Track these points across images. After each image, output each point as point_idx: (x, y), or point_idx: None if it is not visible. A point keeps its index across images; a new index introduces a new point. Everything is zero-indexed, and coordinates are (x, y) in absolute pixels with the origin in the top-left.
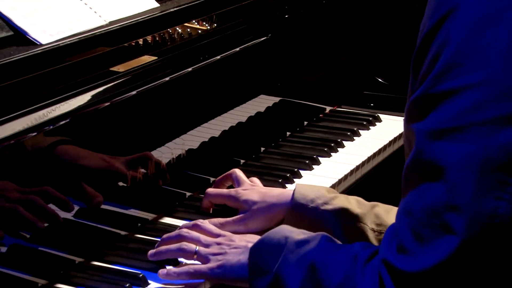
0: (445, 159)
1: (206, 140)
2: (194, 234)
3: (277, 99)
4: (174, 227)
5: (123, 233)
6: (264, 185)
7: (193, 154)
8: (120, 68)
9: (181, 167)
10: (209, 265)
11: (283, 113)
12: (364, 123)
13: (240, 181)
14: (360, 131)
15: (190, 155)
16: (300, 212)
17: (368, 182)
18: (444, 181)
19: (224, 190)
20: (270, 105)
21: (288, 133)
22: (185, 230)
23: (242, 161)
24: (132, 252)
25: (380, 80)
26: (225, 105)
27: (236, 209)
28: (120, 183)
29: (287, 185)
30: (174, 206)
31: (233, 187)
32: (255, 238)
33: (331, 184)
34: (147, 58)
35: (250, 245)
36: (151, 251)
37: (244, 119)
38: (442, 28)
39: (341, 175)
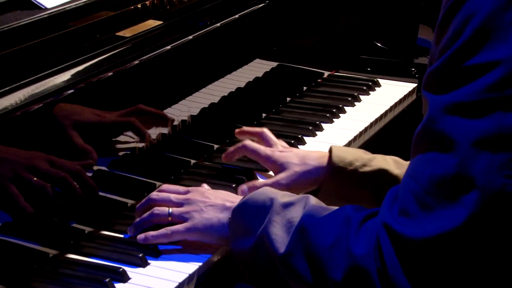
0: (458, 133)
1: (206, 106)
2: (164, 195)
3: (274, 64)
4: None
5: (130, 202)
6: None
7: (195, 120)
8: (126, 33)
9: (183, 133)
10: (186, 224)
11: (281, 78)
12: (364, 88)
13: (271, 142)
14: (360, 96)
15: (192, 122)
16: (339, 175)
17: (369, 148)
18: (455, 153)
19: (261, 148)
20: (268, 70)
21: (288, 99)
22: (154, 193)
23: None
24: None
25: (378, 44)
26: (221, 71)
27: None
28: (121, 152)
29: None
30: (180, 173)
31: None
32: (230, 196)
33: None
34: (152, 23)
35: (227, 203)
36: (129, 227)
37: (242, 85)
38: (469, 0)
39: (344, 141)
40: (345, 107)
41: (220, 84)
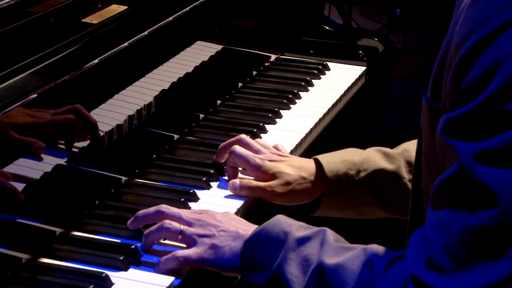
0: (496, 183)
1: (157, 93)
2: (174, 210)
3: (218, 47)
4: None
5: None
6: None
7: (150, 109)
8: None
9: (142, 124)
10: (198, 250)
11: (228, 62)
12: (315, 72)
13: (254, 148)
14: (312, 80)
15: (147, 111)
16: (337, 188)
17: (328, 136)
18: (494, 204)
19: (250, 155)
20: (213, 53)
21: (240, 84)
22: (164, 206)
23: (201, 115)
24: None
25: (325, 27)
26: (165, 55)
27: None
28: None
29: None
30: (145, 167)
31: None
32: (242, 222)
33: (299, 140)
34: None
35: (241, 231)
36: (129, 222)
37: (190, 69)
38: (498, 42)
39: (307, 129)
40: (299, 93)
41: (167, 68)
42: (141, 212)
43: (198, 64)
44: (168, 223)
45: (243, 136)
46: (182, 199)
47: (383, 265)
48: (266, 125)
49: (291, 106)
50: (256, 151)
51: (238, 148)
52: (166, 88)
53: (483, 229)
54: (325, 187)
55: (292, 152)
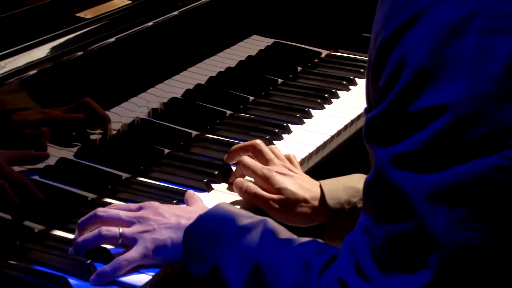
0: (410, 188)
1: (191, 87)
2: (112, 211)
3: (270, 41)
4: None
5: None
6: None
7: (175, 103)
8: (88, 14)
9: (160, 118)
10: (139, 248)
11: (276, 57)
12: (361, 70)
13: (267, 156)
14: (356, 79)
15: (171, 105)
16: (339, 216)
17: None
18: (410, 210)
19: (258, 166)
20: (263, 47)
21: (280, 81)
22: (100, 209)
23: (228, 112)
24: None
25: None
26: (213, 48)
27: None
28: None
29: (275, 141)
30: (150, 164)
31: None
32: (186, 212)
33: (323, 142)
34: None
35: (183, 221)
36: (71, 249)
37: (233, 64)
38: (402, 40)
39: (334, 131)
40: (338, 92)
41: (211, 62)
42: (80, 220)
43: (243, 58)
44: (105, 229)
45: (258, 141)
46: (174, 201)
47: (319, 266)
48: (291, 125)
49: (325, 105)
50: (267, 161)
51: (246, 159)
52: (203, 82)
53: (402, 237)
54: (328, 216)
55: (313, 155)
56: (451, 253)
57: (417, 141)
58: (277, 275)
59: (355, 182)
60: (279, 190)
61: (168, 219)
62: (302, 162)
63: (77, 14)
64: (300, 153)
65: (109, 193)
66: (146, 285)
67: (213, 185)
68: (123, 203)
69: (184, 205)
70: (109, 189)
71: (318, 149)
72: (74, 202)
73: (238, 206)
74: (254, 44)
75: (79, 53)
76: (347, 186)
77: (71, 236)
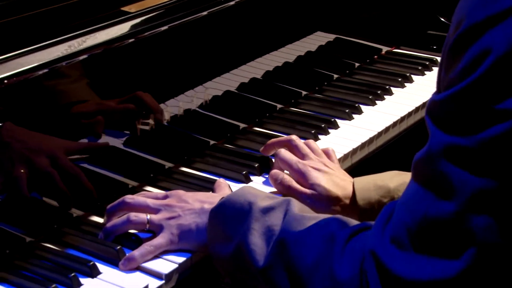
0: (459, 182)
1: (246, 81)
2: (140, 199)
3: (332, 37)
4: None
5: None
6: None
7: (228, 96)
8: (132, 8)
9: (210, 110)
10: (165, 234)
11: (335, 53)
12: (419, 67)
13: (302, 151)
14: (412, 76)
15: (224, 98)
16: (369, 217)
17: (410, 136)
18: (454, 201)
19: (294, 160)
20: (323, 43)
21: (335, 76)
22: (128, 196)
23: (279, 106)
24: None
25: (442, 19)
26: (275, 43)
27: None
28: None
29: (320, 136)
30: (194, 155)
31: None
32: (210, 197)
33: (368, 138)
34: None
35: (206, 205)
36: (100, 233)
37: (292, 59)
38: (492, 30)
39: (381, 127)
40: (392, 88)
41: (271, 57)
42: (108, 206)
43: (302, 53)
44: (133, 215)
45: (294, 137)
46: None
47: (343, 238)
48: (339, 120)
49: (377, 102)
50: (303, 156)
51: (282, 152)
52: (259, 76)
53: (441, 222)
54: (359, 216)
55: (358, 151)
56: (484, 252)
57: (478, 139)
58: (301, 248)
59: (388, 180)
60: (313, 186)
61: (192, 205)
62: (345, 157)
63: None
64: (344, 148)
65: (150, 181)
66: (172, 273)
67: (252, 177)
68: (160, 191)
69: (206, 192)
70: (151, 178)
71: (363, 145)
72: (116, 189)
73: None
74: (316, 40)
75: (130, 40)
76: (379, 185)
77: None
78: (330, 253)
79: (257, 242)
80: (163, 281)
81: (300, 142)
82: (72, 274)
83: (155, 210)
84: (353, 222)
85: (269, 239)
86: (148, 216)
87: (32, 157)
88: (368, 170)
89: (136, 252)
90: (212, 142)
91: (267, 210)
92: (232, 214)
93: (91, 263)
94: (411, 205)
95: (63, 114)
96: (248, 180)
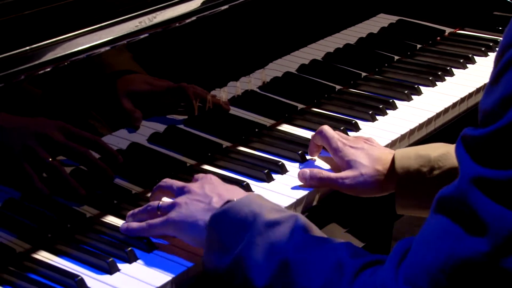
0: (492, 219)
1: (307, 62)
2: (169, 182)
3: (395, 19)
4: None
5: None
6: (351, 116)
7: (288, 77)
8: None
9: (270, 91)
10: (164, 218)
11: (397, 34)
12: (482, 48)
13: (331, 139)
14: (475, 57)
15: (284, 79)
16: (408, 186)
17: (471, 116)
18: (486, 241)
19: (335, 138)
20: (386, 25)
21: (396, 58)
22: (164, 179)
23: (338, 87)
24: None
25: (509, 0)
26: (337, 25)
27: None
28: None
29: (378, 116)
30: (252, 135)
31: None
32: (226, 191)
33: (427, 118)
34: None
35: (215, 200)
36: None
37: (353, 41)
38: None
39: (440, 108)
40: (453, 69)
41: (332, 39)
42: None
43: (364, 35)
44: (149, 204)
45: (325, 127)
46: (266, 171)
47: (353, 269)
48: (398, 101)
49: (437, 83)
50: (346, 138)
51: (326, 128)
52: (319, 58)
53: (469, 262)
54: (396, 184)
55: (415, 131)
56: None
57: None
58: (306, 273)
59: (430, 150)
60: (349, 163)
61: (204, 197)
62: (403, 138)
63: None
64: (401, 129)
65: (208, 160)
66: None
67: (307, 157)
68: (217, 170)
69: (232, 185)
70: (208, 157)
71: (421, 126)
72: (174, 167)
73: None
74: (379, 22)
75: (188, 21)
76: (419, 154)
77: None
78: (338, 283)
79: (258, 259)
80: None
81: (331, 133)
82: (129, 249)
83: (177, 193)
84: (362, 252)
85: (272, 257)
86: (160, 203)
87: (53, 138)
88: None
89: (135, 225)
90: (270, 122)
91: (272, 224)
92: (234, 224)
93: (129, 249)
94: (433, 243)
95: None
96: (303, 160)
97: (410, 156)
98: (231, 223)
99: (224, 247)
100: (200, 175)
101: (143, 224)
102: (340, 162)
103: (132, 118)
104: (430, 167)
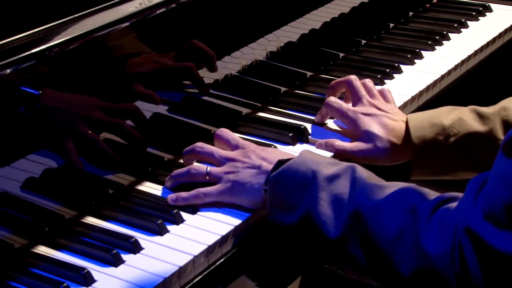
0: None
1: (306, 32)
2: (208, 148)
3: None
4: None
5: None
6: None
7: (292, 47)
8: None
9: (278, 60)
10: (219, 186)
11: (388, 2)
12: (473, 13)
13: (359, 93)
14: (468, 22)
15: (288, 48)
16: (426, 155)
17: (471, 79)
18: None
19: (344, 108)
20: None
21: (391, 25)
22: (199, 144)
23: (341, 54)
24: None
25: None
26: None
27: None
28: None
29: (386, 80)
30: (269, 102)
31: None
32: (271, 155)
33: (433, 80)
34: None
35: (264, 165)
36: (167, 178)
37: (347, 10)
38: None
39: (444, 70)
40: (449, 34)
41: (325, 9)
42: (184, 150)
43: (356, 5)
44: (193, 168)
45: (353, 77)
46: (290, 134)
47: (427, 210)
48: (402, 66)
49: (436, 47)
50: (359, 98)
51: (332, 100)
52: (317, 27)
53: None
54: (414, 154)
55: (423, 93)
56: None
57: None
58: (380, 220)
59: (443, 117)
60: (364, 133)
61: (253, 162)
62: (413, 100)
63: None
64: (410, 91)
65: (230, 127)
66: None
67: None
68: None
69: (274, 149)
70: (230, 123)
71: (428, 88)
72: (197, 135)
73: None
74: None
75: None
76: (433, 123)
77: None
78: (414, 226)
79: (326, 212)
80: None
81: (358, 83)
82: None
83: (220, 162)
84: (430, 192)
85: (339, 208)
86: (208, 169)
87: (88, 114)
88: None
89: (186, 194)
90: (283, 89)
91: (332, 178)
92: (295, 183)
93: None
94: (508, 180)
95: (118, 72)
96: (323, 125)
97: (424, 125)
98: (291, 182)
99: (288, 206)
100: (240, 142)
101: (194, 192)
102: (355, 130)
103: (147, 99)
104: (446, 135)
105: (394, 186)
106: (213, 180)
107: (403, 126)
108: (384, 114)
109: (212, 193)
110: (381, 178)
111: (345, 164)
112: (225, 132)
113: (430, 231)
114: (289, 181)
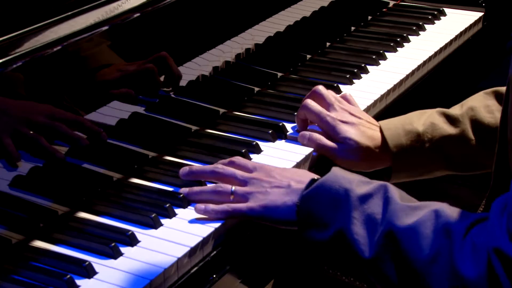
0: None
1: (272, 35)
2: (229, 170)
3: None
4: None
5: (194, 128)
6: (331, 81)
7: (259, 49)
8: None
9: (248, 62)
10: (250, 204)
11: (347, 7)
12: (429, 17)
13: (327, 100)
14: (425, 25)
15: (256, 50)
16: (404, 161)
17: (433, 79)
18: None
19: (323, 113)
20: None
21: (352, 28)
22: (220, 166)
23: (308, 56)
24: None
25: None
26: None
27: None
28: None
29: (355, 80)
30: (243, 101)
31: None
32: (297, 174)
33: (399, 80)
34: None
35: (293, 184)
36: (184, 189)
37: (308, 14)
38: None
39: (408, 70)
40: (409, 36)
41: (287, 13)
42: (198, 168)
43: (316, 9)
44: (220, 186)
45: (320, 87)
46: (270, 132)
47: (460, 232)
48: (369, 66)
49: (398, 48)
50: (329, 105)
51: (310, 103)
52: (281, 30)
53: None
54: (392, 162)
55: (391, 92)
56: None
57: None
58: (414, 241)
59: (415, 123)
60: (343, 140)
61: (279, 182)
62: (381, 98)
63: None
64: (378, 90)
65: (210, 126)
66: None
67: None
68: (219, 132)
69: (294, 168)
70: (210, 122)
71: (395, 87)
72: (179, 133)
73: None
74: None
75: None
76: (408, 130)
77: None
78: (449, 247)
79: (360, 232)
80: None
81: (325, 91)
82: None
83: (243, 182)
84: (462, 211)
85: (372, 228)
86: (233, 188)
87: (30, 118)
88: (400, 111)
89: (216, 207)
90: (256, 89)
91: (365, 198)
92: (328, 201)
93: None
94: None
95: (90, 82)
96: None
97: (399, 133)
98: (324, 200)
99: (321, 223)
100: (256, 164)
101: (225, 206)
102: (334, 136)
103: (123, 98)
104: (421, 141)
105: (427, 206)
106: (238, 199)
107: (378, 133)
108: (360, 122)
109: (242, 209)
110: (412, 197)
111: (377, 183)
112: (240, 158)
113: (464, 254)
114: (322, 199)
